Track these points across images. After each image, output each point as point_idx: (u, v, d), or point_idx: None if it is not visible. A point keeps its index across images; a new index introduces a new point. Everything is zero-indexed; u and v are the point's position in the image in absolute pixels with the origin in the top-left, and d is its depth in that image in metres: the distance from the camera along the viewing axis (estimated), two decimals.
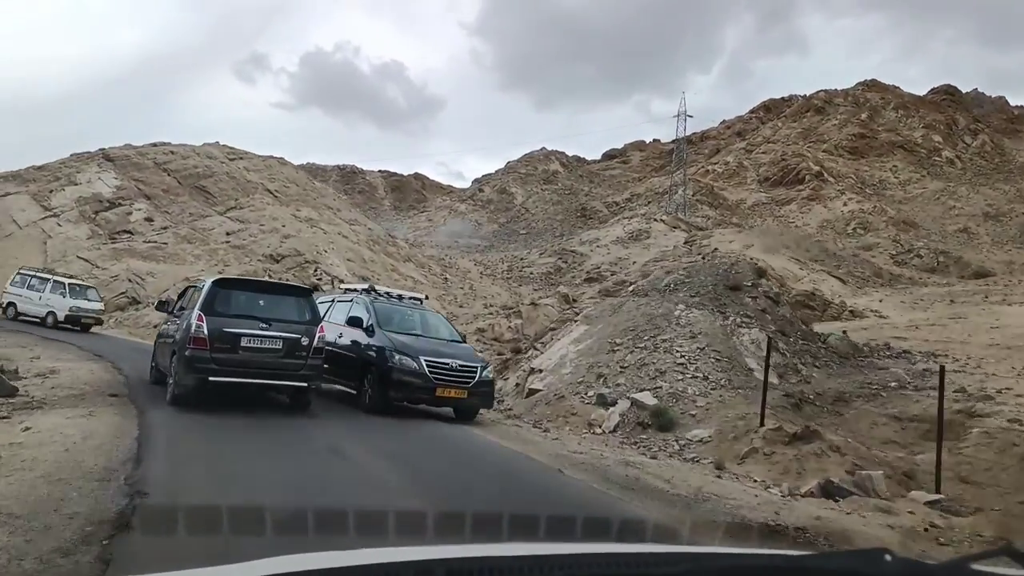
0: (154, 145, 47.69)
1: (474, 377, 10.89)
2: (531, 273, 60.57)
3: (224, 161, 47.75)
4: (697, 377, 12.71)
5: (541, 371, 14.81)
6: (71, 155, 45.18)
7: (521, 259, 67.88)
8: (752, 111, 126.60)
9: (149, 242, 39.06)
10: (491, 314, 36.15)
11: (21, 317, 26.00)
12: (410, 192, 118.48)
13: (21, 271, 28.23)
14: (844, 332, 17.71)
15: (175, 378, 9.73)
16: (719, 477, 8.47)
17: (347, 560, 1.30)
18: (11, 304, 26.80)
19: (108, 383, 12.20)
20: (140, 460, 6.43)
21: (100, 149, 45.86)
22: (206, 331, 9.26)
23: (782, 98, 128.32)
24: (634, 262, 54.49)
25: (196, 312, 9.50)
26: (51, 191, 41.39)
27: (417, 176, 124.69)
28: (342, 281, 37.64)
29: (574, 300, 39.59)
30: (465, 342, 12.83)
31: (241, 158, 49.01)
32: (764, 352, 13.43)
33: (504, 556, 1.43)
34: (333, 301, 13.32)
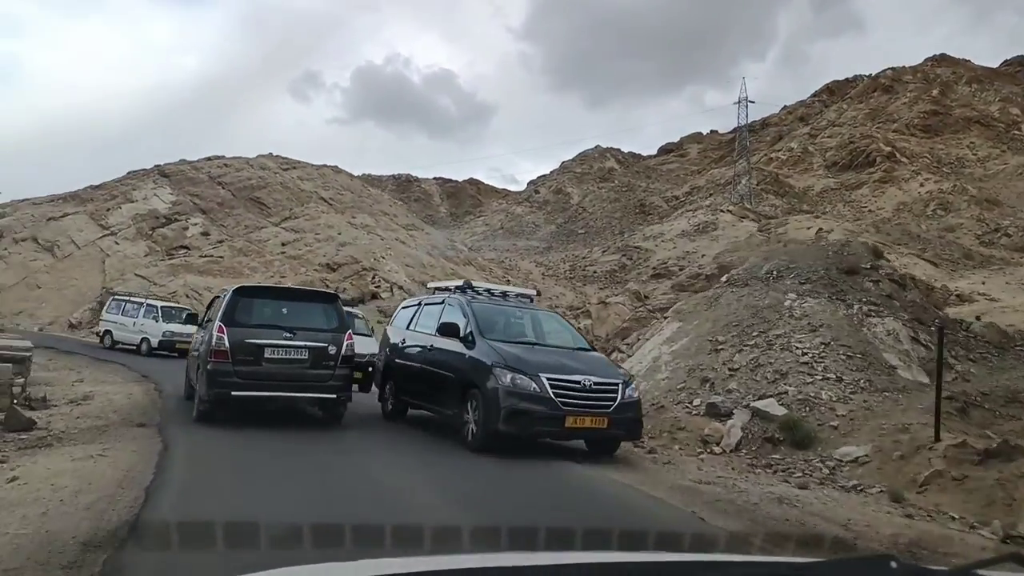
0: (208, 159, 47.22)
1: (615, 398, 8.16)
2: (594, 272, 58.46)
3: (278, 172, 46.97)
4: (829, 379, 10.51)
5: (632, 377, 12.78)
6: (127, 173, 44.99)
7: (583, 258, 65.88)
8: (814, 95, 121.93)
9: (205, 256, 38.33)
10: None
11: (118, 345, 24.15)
12: (466, 198, 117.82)
13: (115, 296, 26.42)
14: (978, 318, 15.25)
15: (199, 393, 9.37)
16: (910, 517, 6.34)
17: (350, 572, 1.25)
18: (107, 332, 24.95)
19: (141, 409, 10.75)
20: (136, 529, 4.70)
21: (156, 166, 45.57)
22: (227, 343, 8.79)
23: (846, 79, 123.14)
24: (703, 255, 51.88)
25: (217, 323, 9.05)
26: (108, 209, 41.11)
27: (472, 181, 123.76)
28: (401, 287, 36.17)
29: (646, 297, 37.38)
30: (595, 349, 10.03)
31: (294, 167, 48.19)
32: (904, 345, 11.22)
33: (506, 567, 1.38)
34: (419, 305, 11.07)
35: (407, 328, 10.72)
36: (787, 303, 13.10)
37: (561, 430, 8.08)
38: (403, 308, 11.74)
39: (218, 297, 10.80)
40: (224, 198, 43.50)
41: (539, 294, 12.53)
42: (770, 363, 11.24)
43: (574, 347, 9.30)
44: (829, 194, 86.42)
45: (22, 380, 11.91)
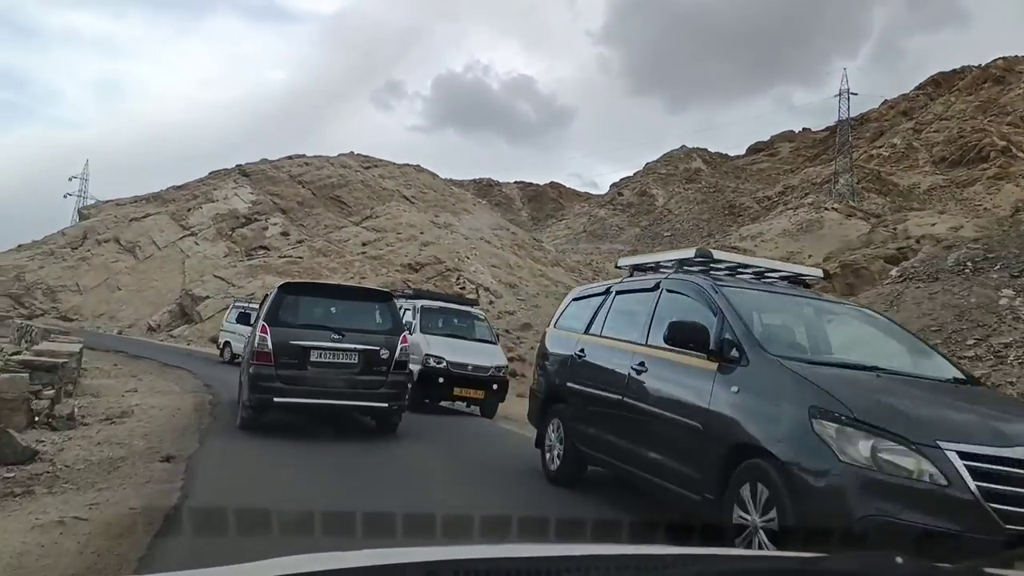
0: (289, 158, 46.24)
1: None
2: None
3: (359, 170, 45.59)
4: None
5: None
6: (209, 173, 44.41)
7: None
8: (919, 87, 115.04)
9: (284, 257, 37.09)
10: None
11: (238, 360, 21.75)
12: (547, 201, 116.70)
13: (235, 304, 23.62)
14: None
15: (242, 398, 8.93)
16: None
17: (354, 561, 1.27)
18: (227, 344, 22.43)
19: (180, 431, 8.65)
20: None
21: (236, 165, 44.87)
22: (270, 344, 8.16)
23: (953, 71, 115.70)
24: (809, 255, 48.04)
25: (260, 323, 8.54)
26: (189, 210, 40.46)
27: (553, 185, 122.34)
28: (487, 288, 33.71)
29: None
30: (978, 381, 5.53)
31: (376, 166, 46.78)
32: None
33: (514, 557, 1.43)
34: (608, 292, 6.74)
35: (587, 331, 6.64)
36: (1003, 301, 10.00)
37: None
38: (575, 300, 7.45)
39: (268, 294, 10.00)
40: (304, 197, 42.31)
41: (827, 277, 7.88)
42: (1010, 384, 8.21)
43: (941, 377, 4.76)
44: (938, 191, 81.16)
45: (52, 391, 9.94)
